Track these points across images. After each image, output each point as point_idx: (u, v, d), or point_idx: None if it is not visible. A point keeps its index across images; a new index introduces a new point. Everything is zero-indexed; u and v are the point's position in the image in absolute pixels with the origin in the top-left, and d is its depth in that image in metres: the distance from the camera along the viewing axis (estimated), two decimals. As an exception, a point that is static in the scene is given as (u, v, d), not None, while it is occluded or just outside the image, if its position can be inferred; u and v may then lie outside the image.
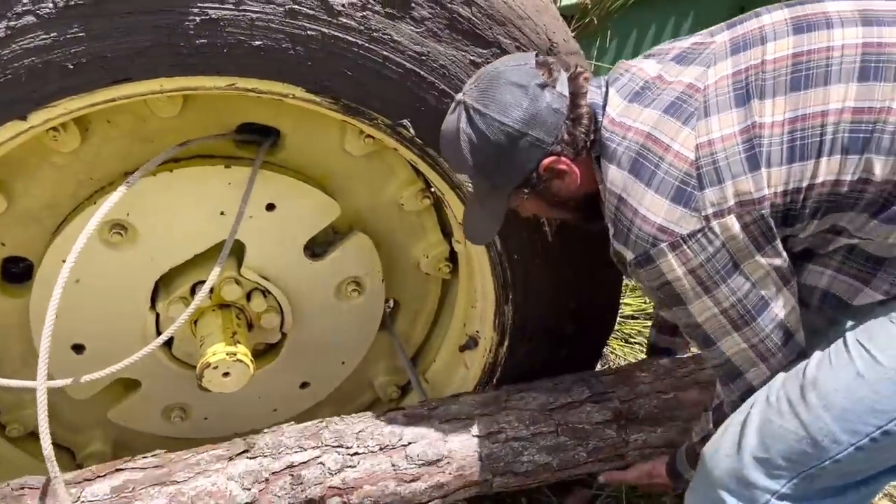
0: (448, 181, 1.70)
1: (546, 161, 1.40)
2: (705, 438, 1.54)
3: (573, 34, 2.19)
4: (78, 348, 1.83)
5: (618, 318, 2.73)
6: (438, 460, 1.69)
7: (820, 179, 1.28)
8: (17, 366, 1.87)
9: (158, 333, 1.86)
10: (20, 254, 1.74)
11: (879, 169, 1.25)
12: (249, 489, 1.55)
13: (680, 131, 1.32)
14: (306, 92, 1.50)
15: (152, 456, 1.64)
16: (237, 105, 1.67)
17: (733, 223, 1.30)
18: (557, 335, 1.95)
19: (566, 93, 1.39)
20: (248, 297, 1.88)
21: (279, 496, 1.57)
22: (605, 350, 2.63)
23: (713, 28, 1.44)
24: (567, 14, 2.29)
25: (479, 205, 1.51)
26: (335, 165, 1.83)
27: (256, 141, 1.75)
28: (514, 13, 1.54)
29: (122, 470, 1.60)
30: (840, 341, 1.37)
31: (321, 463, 1.62)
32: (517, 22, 1.55)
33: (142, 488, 1.56)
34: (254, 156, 1.74)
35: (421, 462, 1.68)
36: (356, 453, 1.65)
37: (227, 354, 1.74)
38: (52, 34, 1.30)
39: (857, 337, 1.35)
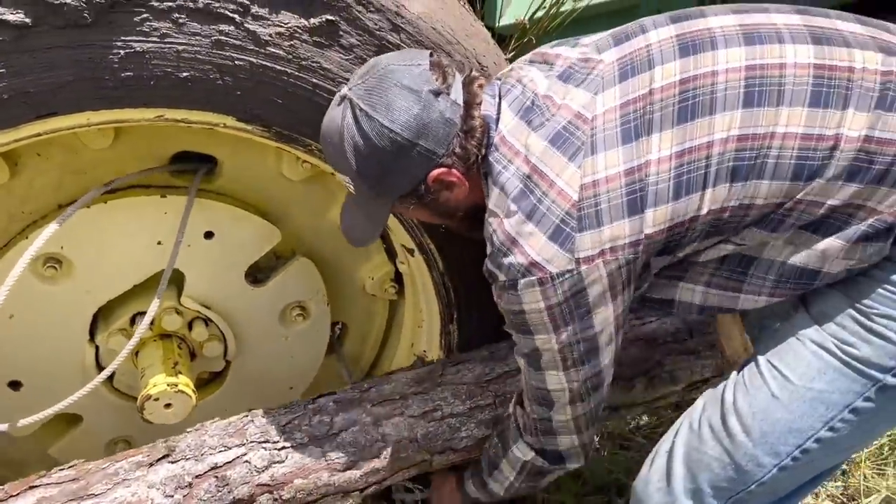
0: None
1: (435, 173, 1.35)
2: (493, 466, 1.65)
3: (512, 53, 2.23)
4: (14, 385, 1.80)
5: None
6: (371, 446, 1.68)
7: (704, 210, 1.28)
8: (-47, 405, 1.83)
9: (98, 366, 1.84)
10: (-49, 291, 1.70)
11: (763, 193, 1.27)
12: (172, 496, 1.51)
13: (566, 168, 1.30)
14: (237, 121, 1.50)
15: (69, 468, 1.57)
16: (171, 134, 1.66)
17: (600, 269, 1.30)
18: (503, 352, 1.97)
19: (460, 101, 1.34)
20: (190, 326, 1.86)
21: (204, 500, 1.54)
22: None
23: (598, 40, 1.40)
24: (505, 34, 2.32)
25: (359, 208, 1.45)
26: (274, 191, 1.83)
27: (192, 169, 1.74)
28: (443, 38, 1.56)
29: (35, 487, 1.54)
30: (753, 364, 1.41)
31: (247, 461, 1.59)
32: (446, 47, 1.57)
33: (58, 506, 1.51)
34: (190, 185, 1.73)
35: (353, 450, 1.66)
36: (283, 447, 1.62)
37: (167, 385, 1.72)
38: (-29, 71, 1.28)
39: (768, 358, 1.39)
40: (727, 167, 1.26)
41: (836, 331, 1.34)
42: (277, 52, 1.44)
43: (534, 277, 1.30)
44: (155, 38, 1.36)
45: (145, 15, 1.33)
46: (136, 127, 1.59)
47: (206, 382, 2.01)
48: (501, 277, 1.35)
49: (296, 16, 1.42)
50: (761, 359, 1.40)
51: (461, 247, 1.77)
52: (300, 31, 1.43)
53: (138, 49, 1.35)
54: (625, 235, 1.29)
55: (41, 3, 1.26)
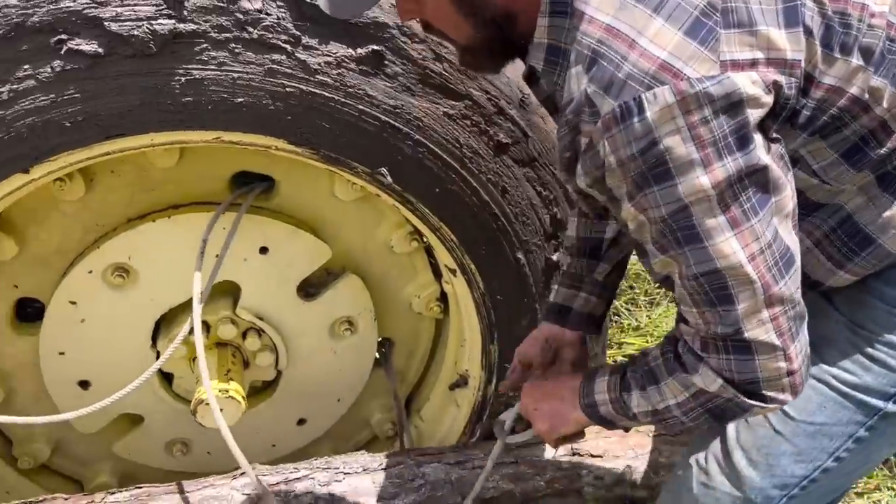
0: (428, 224, 1.78)
1: None
2: (651, 379, 1.23)
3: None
4: (84, 384, 1.94)
5: (618, 360, 2.76)
6: (412, 480, 1.78)
7: (836, 80, 1.09)
8: (29, 402, 1.98)
9: (160, 372, 1.96)
10: (32, 295, 1.86)
11: (886, 100, 1.12)
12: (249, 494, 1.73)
13: None
14: (288, 143, 1.60)
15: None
16: (231, 155, 1.78)
17: (756, 84, 1.01)
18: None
19: None
20: (244, 335, 1.97)
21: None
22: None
23: None
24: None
25: None
26: (326, 210, 1.92)
27: (251, 189, 1.86)
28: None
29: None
30: None
31: (312, 478, 1.81)
32: (488, 76, 1.63)
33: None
34: (250, 202, 1.85)
35: (398, 481, 1.81)
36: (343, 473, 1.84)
37: (219, 391, 1.82)
38: (50, 96, 1.43)
39: None
40: (869, 45, 1.10)
41: (835, 360, 1.29)
42: (326, 79, 1.53)
43: (666, 87, 0.99)
44: (213, 67, 1.47)
45: (204, 45, 1.45)
46: (198, 147, 1.72)
47: (259, 391, 2.11)
48: (608, 105, 1.01)
49: (343, 46, 1.51)
50: None
51: (500, 268, 1.81)
52: (347, 60, 1.52)
53: (198, 76, 1.47)
54: (786, 48, 1.03)
55: (112, 34, 1.40)
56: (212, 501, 1.77)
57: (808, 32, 1.06)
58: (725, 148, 1.01)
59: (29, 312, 1.92)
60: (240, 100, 1.51)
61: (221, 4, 1.43)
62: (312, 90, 1.53)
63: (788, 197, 1.09)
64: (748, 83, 1.00)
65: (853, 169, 1.16)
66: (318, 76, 1.53)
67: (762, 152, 1.03)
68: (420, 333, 2.20)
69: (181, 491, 1.78)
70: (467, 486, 1.82)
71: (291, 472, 1.83)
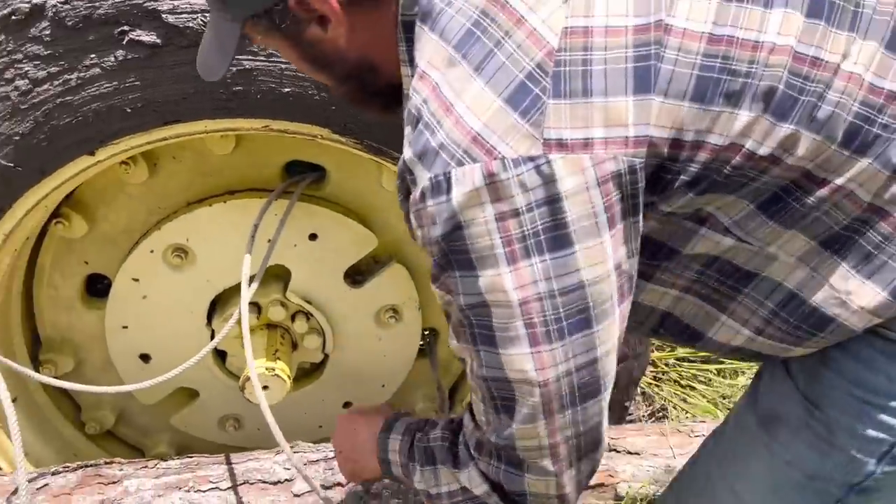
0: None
1: None
2: (429, 459, 1.17)
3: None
4: (145, 357, 2.06)
5: (671, 362, 2.71)
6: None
7: (722, 139, 0.91)
8: (97, 372, 2.12)
9: (214, 349, 2.06)
10: (101, 272, 2.00)
11: (802, 148, 0.92)
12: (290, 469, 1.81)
13: (544, 2, 0.88)
14: (332, 133, 1.66)
15: None
16: (284, 144, 1.86)
17: (585, 170, 0.85)
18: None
19: None
20: (293, 318, 2.05)
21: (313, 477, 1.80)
22: (656, 396, 2.61)
23: None
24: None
25: (212, 33, 1.12)
26: (374, 200, 1.98)
27: (303, 177, 1.94)
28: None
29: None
30: (703, 469, 1.22)
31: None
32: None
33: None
34: (303, 190, 1.93)
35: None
36: None
37: (266, 369, 1.91)
38: (113, 83, 1.53)
39: (718, 463, 1.19)
40: (774, 89, 0.90)
41: (791, 441, 1.11)
42: (368, 70, 1.59)
43: (476, 165, 0.86)
44: (262, 57, 1.55)
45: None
46: (253, 136, 1.80)
47: (307, 373, 2.19)
48: (422, 176, 0.90)
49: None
50: (715, 469, 1.20)
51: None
52: (389, 52, 1.57)
53: (248, 66, 1.55)
54: (628, 123, 0.86)
55: (169, 25, 1.49)
56: (254, 473, 1.86)
57: (672, 94, 0.88)
58: (535, 247, 0.88)
59: (98, 288, 2.06)
60: (287, 89, 1.58)
61: (270, -2, 1.50)
62: (356, 81, 1.59)
63: (614, 326, 0.94)
64: (575, 171, 0.85)
65: (775, 223, 0.97)
66: (361, 67, 1.58)
67: (583, 261, 0.88)
68: (465, 325, 2.23)
69: (227, 462, 1.88)
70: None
71: (331, 451, 1.89)
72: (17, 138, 1.56)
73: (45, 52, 1.50)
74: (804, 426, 1.09)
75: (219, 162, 1.88)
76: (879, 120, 0.93)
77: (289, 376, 1.94)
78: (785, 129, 0.92)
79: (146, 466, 1.88)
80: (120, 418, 2.20)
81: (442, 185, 0.89)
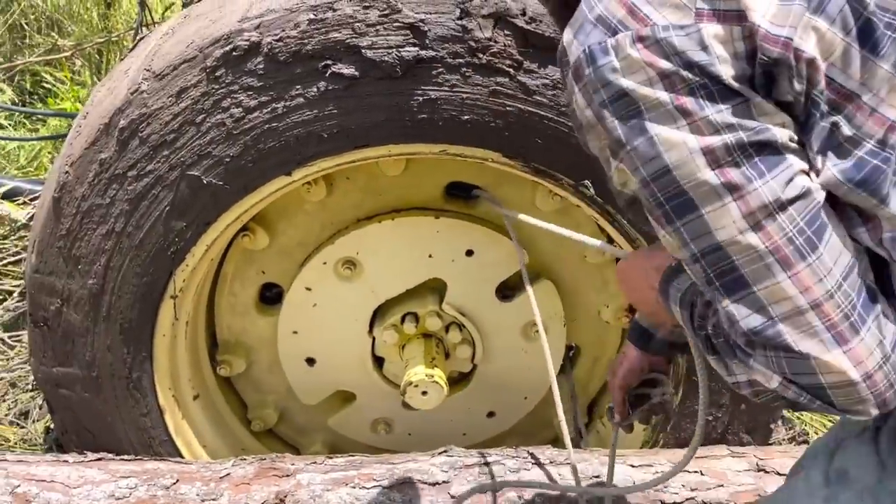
0: (625, 235, 1.90)
1: None
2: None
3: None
4: (310, 361, 2.24)
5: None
6: (597, 475, 1.88)
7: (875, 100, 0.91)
8: (264, 373, 2.31)
9: (373, 355, 2.23)
10: (275, 281, 2.19)
11: None
12: (447, 472, 1.92)
13: None
14: (502, 157, 1.79)
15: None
16: (448, 167, 2.01)
17: (734, 41, 0.89)
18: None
19: None
20: (447, 329, 2.18)
21: (469, 481, 1.91)
22: (797, 420, 2.61)
23: None
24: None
25: None
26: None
27: (462, 197, 2.08)
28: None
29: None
30: None
31: (502, 464, 1.96)
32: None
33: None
34: (459, 209, 2.07)
35: (582, 476, 1.91)
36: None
37: (425, 375, 2.04)
38: (314, 111, 1.71)
39: None
40: None
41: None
42: (542, 99, 1.71)
43: (627, 34, 0.90)
44: (446, 88, 1.70)
45: (440, 69, 1.68)
46: (422, 159, 1.95)
47: (456, 382, 2.32)
48: (577, 50, 0.94)
49: (559, 69, 1.68)
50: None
51: (694, 280, 1.90)
52: (563, 82, 1.69)
53: (433, 96, 1.70)
54: (765, 12, 0.88)
55: (367, 59, 1.66)
56: (413, 473, 1.98)
57: (835, 22, 0.88)
58: (707, 97, 0.88)
59: (266, 296, 2.25)
60: (466, 117, 1.73)
61: (458, 34, 1.65)
62: (529, 109, 1.72)
63: (809, 168, 0.90)
64: (724, 39, 0.87)
65: None
66: (535, 96, 1.71)
67: (756, 110, 0.89)
68: (606, 342, 2.32)
69: (388, 462, 2.01)
70: (648, 491, 1.90)
71: (485, 456, 2.00)
72: (227, 160, 1.75)
73: (258, 84, 1.69)
74: (868, 493, 1.03)
75: (388, 182, 2.04)
76: None
77: (445, 384, 2.07)
78: None
79: (315, 462, 2.03)
80: (281, 417, 2.38)
81: (596, 55, 0.91)
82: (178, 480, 1.93)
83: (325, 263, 2.09)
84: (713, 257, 0.92)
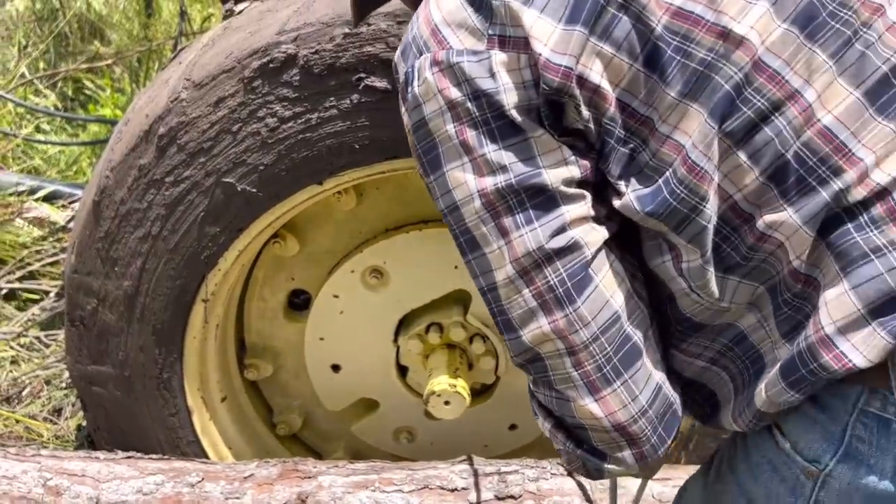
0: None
1: None
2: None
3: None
4: (335, 368, 2.27)
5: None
6: (615, 488, 1.88)
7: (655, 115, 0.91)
8: (290, 378, 2.35)
9: (397, 364, 2.25)
10: (303, 287, 2.23)
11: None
12: (466, 479, 1.95)
13: None
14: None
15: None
16: (476, 179, 2.04)
17: (521, 69, 0.89)
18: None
19: None
20: (471, 340, 2.20)
21: (487, 488, 1.93)
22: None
23: None
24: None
25: None
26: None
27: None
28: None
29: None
30: None
31: (522, 473, 1.97)
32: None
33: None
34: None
35: (602, 487, 1.90)
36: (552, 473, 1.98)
37: (449, 385, 2.06)
38: (346, 123, 1.75)
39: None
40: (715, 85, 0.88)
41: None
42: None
43: (429, 55, 0.91)
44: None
45: (471, 84, 1.71)
46: (450, 171, 1.99)
47: (478, 393, 2.33)
48: (399, 71, 0.97)
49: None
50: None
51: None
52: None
53: (463, 110, 1.74)
54: (547, 40, 0.88)
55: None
56: (433, 480, 2.00)
57: (611, 42, 0.88)
58: (487, 134, 0.89)
59: (294, 303, 2.29)
60: (495, 131, 1.75)
61: (489, 50, 1.68)
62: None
63: (587, 215, 0.92)
64: (512, 69, 0.87)
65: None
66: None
67: (536, 148, 0.88)
68: (630, 357, 2.32)
69: (408, 468, 2.03)
70: (669, 502, 1.91)
71: (504, 466, 2.02)
72: (261, 168, 1.80)
73: (293, 95, 1.74)
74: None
75: (416, 194, 2.08)
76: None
77: (468, 394, 2.09)
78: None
79: (336, 466, 2.06)
80: (306, 423, 2.41)
81: (410, 78, 0.93)
82: (203, 479, 1.97)
83: (352, 272, 2.12)
84: (492, 295, 0.99)
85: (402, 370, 2.28)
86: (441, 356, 2.17)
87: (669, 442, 1.01)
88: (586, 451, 1.01)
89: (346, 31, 1.69)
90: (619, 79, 0.89)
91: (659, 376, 0.99)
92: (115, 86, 4.23)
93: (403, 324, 2.21)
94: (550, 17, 0.87)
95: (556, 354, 0.95)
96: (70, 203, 3.33)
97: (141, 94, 1.98)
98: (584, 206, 0.94)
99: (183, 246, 1.89)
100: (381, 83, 1.71)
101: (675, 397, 1.01)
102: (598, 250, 0.94)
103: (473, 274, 1.00)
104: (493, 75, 0.89)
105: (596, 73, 0.88)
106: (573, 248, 0.93)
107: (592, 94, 0.89)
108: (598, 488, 1.96)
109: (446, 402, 2.09)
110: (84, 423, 2.49)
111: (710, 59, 0.88)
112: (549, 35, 0.88)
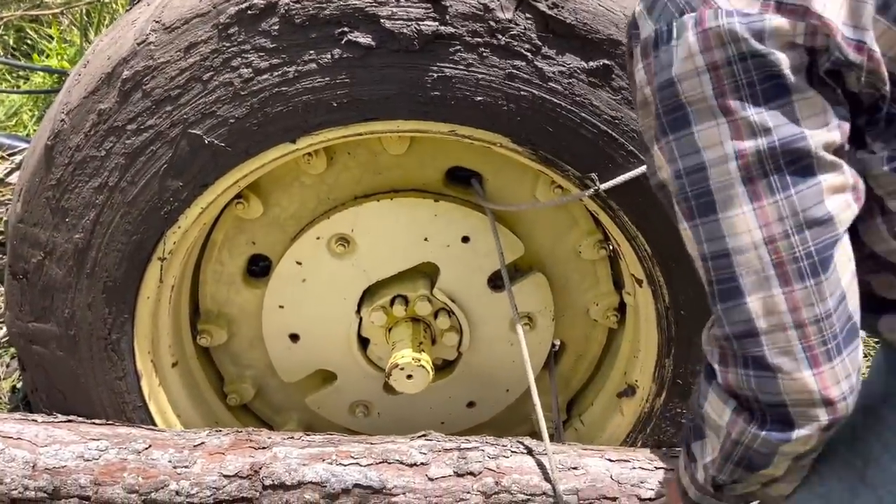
0: (625, 233, 1.90)
1: None
2: (697, 435, 1.12)
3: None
4: (294, 337, 2.19)
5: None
6: (575, 468, 1.87)
7: None
8: (245, 348, 2.26)
9: (359, 336, 2.19)
10: (264, 252, 2.14)
11: None
12: (426, 454, 1.90)
13: None
14: (511, 142, 1.77)
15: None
16: (452, 150, 1.99)
17: (799, 35, 0.86)
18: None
19: None
20: (436, 315, 2.16)
21: (447, 464, 1.89)
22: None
23: None
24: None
25: None
26: (525, 210, 2.09)
27: (464, 182, 2.06)
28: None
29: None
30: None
31: (482, 450, 1.93)
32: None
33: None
34: (459, 194, 2.05)
35: (561, 466, 1.89)
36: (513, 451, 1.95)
37: (412, 359, 2.01)
38: (326, 79, 1.68)
39: None
40: None
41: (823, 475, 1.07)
42: (557, 87, 1.70)
43: (693, 14, 0.88)
44: (462, 67, 1.68)
45: (458, 47, 1.66)
46: (427, 140, 1.93)
47: (440, 369, 2.29)
48: (648, 27, 0.93)
49: (577, 58, 1.68)
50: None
51: (689, 282, 1.90)
52: (579, 71, 1.69)
53: (448, 74, 1.68)
54: (838, 10, 0.87)
55: (385, 30, 1.63)
56: (392, 454, 1.94)
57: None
58: (750, 96, 0.87)
59: (253, 269, 2.20)
60: (479, 98, 1.70)
61: (479, 12, 1.63)
62: (543, 95, 1.71)
63: (845, 185, 0.89)
64: (790, 32, 0.85)
65: None
66: (550, 83, 1.70)
67: (799, 111, 0.86)
68: (592, 340, 2.31)
69: (367, 442, 1.98)
70: (628, 484, 1.90)
71: (465, 443, 1.98)
72: (232, 121, 1.71)
73: (271, 45, 1.65)
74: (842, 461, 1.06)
75: (389, 161, 2.01)
76: None
77: (431, 368, 2.05)
78: None
79: (292, 437, 1.99)
80: (258, 393, 2.33)
81: (663, 36, 0.91)
82: (150, 446, 1.88)
83: (318, 238, 2.05)
84: (719, 262, 0.95)
85: (364, 342, 2.22)
86: (405, 329, 2.12)
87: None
88: (772, 426, 0.97)
89: (332, -19, 1.61)
90: (892, 49, 0.89)
91: (862, 358, 0.98)
92: (62, 37, 4.02)
93: (368, 295, 2.15)
94: None
95: (781, 327, 0.92)
96: (10, 155, 3.14)
97: (103, 34, 1.86)
98: (841, 177, 0.91)
99: (142, 199, 1.78)
100: (364, 39, 1.64)
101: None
102: (846, 230, 0.92)
103: (698, 239, 0.95)
104: (764, 38, 0.86)
105: (880, 46, 0.88)
106: (827, 222, 0.91)
107: (877, 66, 0.89)
108: (558, 468, 1.94)
109: (409, 376, 2.04)
110: (20, 385, 2.35)
111: None
112: (838, 6, 0.87)
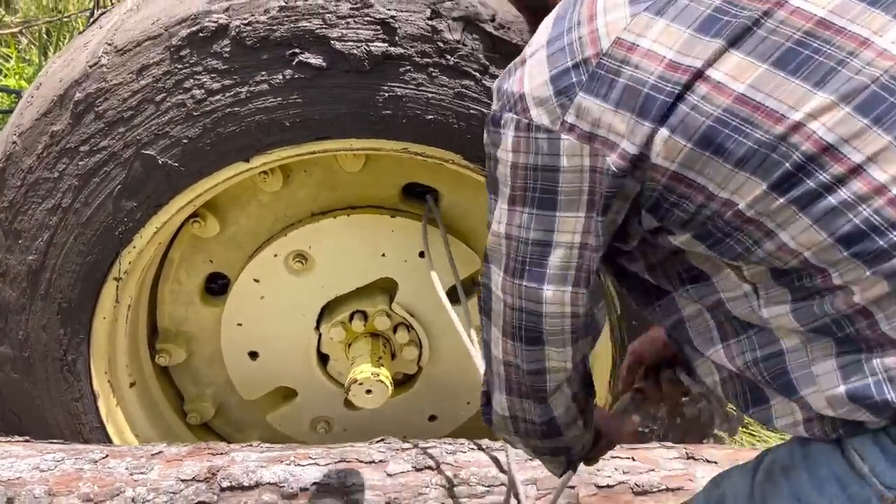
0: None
1: None
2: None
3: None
4: (253, 355, 2.20)
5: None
6: (530, 460, 1.90)
7: (722, 193, 0.99)
8: (205, 366, 2.26)
9: (318, 352, 2.20)
10: (222, 271, 2.15)
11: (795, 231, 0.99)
12: (385, 452, 1.93)
13: (617, 8, 1.01)
14: (463, 159, 1.81)
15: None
16: (408, 167, 2.02)
17: (583, 156, 1.01)
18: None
19: None
20: (395, 329, 2.18)
21: (405, 460, 1.92)
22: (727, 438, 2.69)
23: None
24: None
25: None
26: (480, 225, 2.12)
27: (420, 198, 2.09)
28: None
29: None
30: None
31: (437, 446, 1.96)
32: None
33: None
34: (415, 210, 2.08)
35: (518, 459, 1.90)
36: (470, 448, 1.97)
37: (371, 374, 2.03)
38: (278, 99, 1.70)
39: None
40: (776, 162, 0.96)
41: None
42: (505, 105, 1.74)
43: (516, 116, 1.03)
44: (412, 86, 1.71)
45: (408, 67, 1.69)
46: (382, 157, 1.96)
47: (400, 383, 2.31)
48: (493, 104, 1.10)
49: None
50: None
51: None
52: (526, 89, 1.73)
53: (398, 93, 1.71)
54: (622, 133, 0.99)
55: (335, 51, 1.66)
56: (350, 453, 1.91)
57: (679, 132, 0.98)
58: (529, 202, 1.05)
59: (211, 287, 2.21)
60: (430, 117, 1.74)
61: (427, 33, 1.67)
62: (492, 113, 1.74)
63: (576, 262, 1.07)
64: (576, 153, 1.01)
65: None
66: (498, 102, 1.73)
67: (550, 224, 1.05)
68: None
69: (325, 446, 1.96)
70: (584, 472, 1.92)
71: (422, 442, 1.97)
72: (185, 141, 1.73)
73: (223, 67, 1.67)
74: None
75: (345, 178, 2.04)
76: None
77: (391, 383, 2.06)
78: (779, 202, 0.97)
79: (251, 446, 1.99)
80: (218, 411, 2.33)
81: (497, 120, 1.08)
82: (107, 456, 1.86)
83: (275, 255, 2.06)
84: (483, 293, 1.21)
85: (323, 359, 2.24)
86: (364, 345, 2.14)
87: None
88: None
89: (282, 3, 1.64)
90: (675, 156, 1.00)
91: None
92: (21, 56, 3.99)
93: (326, 311, 2.16)
94: (624, 110, 1.00)
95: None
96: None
97: (55, 57, 1.87)
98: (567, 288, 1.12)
99: (96, 220, 1.79)
100: (315, 60, 1.67)
101: None
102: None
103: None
104: (556, 155, 1.02)
105: (656, 155, 1.00)
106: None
107: (653, 172, 1.01)
108: (515, 460, 1.94)
109: (368, 391, 2.06)
110: (-26, 409, 2.32)
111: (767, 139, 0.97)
112: (624, 130, 1.00)
